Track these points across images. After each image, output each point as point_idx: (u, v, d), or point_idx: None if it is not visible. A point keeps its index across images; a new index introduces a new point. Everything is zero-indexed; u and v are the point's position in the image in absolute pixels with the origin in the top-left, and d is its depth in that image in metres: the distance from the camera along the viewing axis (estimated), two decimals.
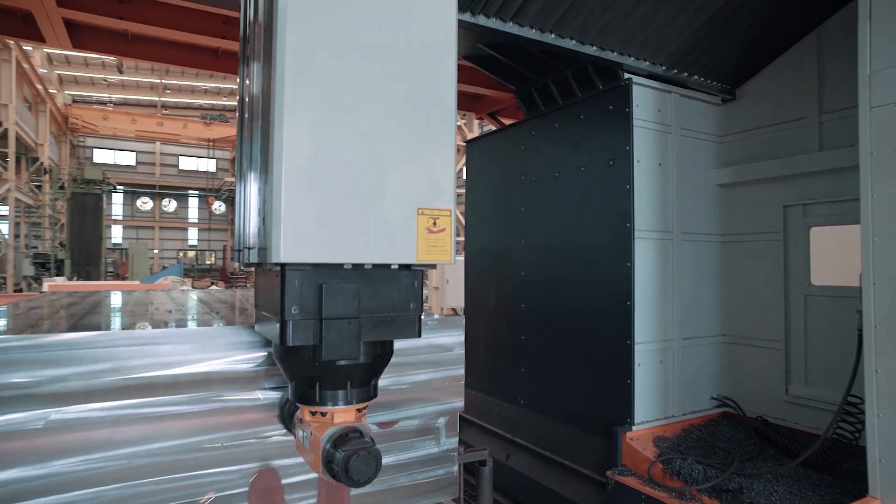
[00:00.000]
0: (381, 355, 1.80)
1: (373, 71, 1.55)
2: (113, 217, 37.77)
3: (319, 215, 1.49)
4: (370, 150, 1.55)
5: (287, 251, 1.44)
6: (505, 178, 4.37)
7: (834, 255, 3.36)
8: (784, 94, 3.50)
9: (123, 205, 39.40)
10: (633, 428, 3.22)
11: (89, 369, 1.84)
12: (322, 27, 1.48)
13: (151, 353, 1.92)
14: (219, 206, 40.88)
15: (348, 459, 1.59)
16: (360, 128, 1.54)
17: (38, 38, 3.53)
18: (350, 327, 1.62)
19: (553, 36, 2.96)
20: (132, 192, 39.33)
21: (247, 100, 1.79)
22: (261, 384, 1.97)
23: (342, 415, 1.75)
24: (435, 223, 1.66)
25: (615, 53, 3.19)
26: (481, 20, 2.76)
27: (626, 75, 3.31)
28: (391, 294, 1.70)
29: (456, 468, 2.52)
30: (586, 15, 2.88)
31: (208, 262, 41.32)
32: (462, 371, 2.58)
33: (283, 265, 1.49)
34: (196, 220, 42.46)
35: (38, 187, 27.07)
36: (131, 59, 4.08)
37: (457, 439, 2.65)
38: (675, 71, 3.46)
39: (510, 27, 2.84)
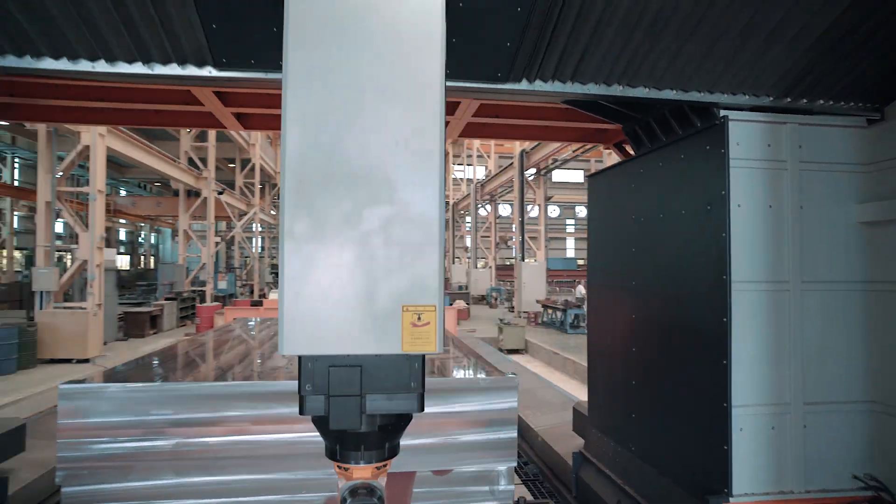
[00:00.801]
0: (393, 424, 2.07)
1: (359, 199, 1.84)
2: None
3: (316, 316, 1.83)
4: (358, 262, 1.84)
5: (288, 346, 1.82)
6: (619, 216, 4.25)
7: None
8: None
9: None
10: (732, 500, 2.93)
11: (196, 414, 2.46)
12: (314, 169, 1.82)
13: (245, 399, 2.48)
14: None
15: None
16: (349, 241, 1.84)
17: (221, 126, 4.57)
18: (353, 403, 1.94)
19: (622, 87, 2.90)
20: None
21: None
22: None
23: (359, 471, 2.07)
24: (419, 318, 1.88)
25: (702, 94, 2.97)
26: (538, 86, 2.84)
27: (723, 112, 3.03)
28: (392, 374, 1.97)
29: None
30: (652, 65, 2.76)
31: None
32: (514, 434, 2.72)
33: None
34: None
35: (277, 207, 32.92)
36: None
37: (513, 489, 2.80)
38: (789, 99, 3.05)
39: (570, 87, 2.87)
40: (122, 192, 33.91)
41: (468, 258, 34.55)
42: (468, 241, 34.36)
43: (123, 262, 38.52)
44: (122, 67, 2.53)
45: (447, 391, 2.62)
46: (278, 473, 2.49)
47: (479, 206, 32.30)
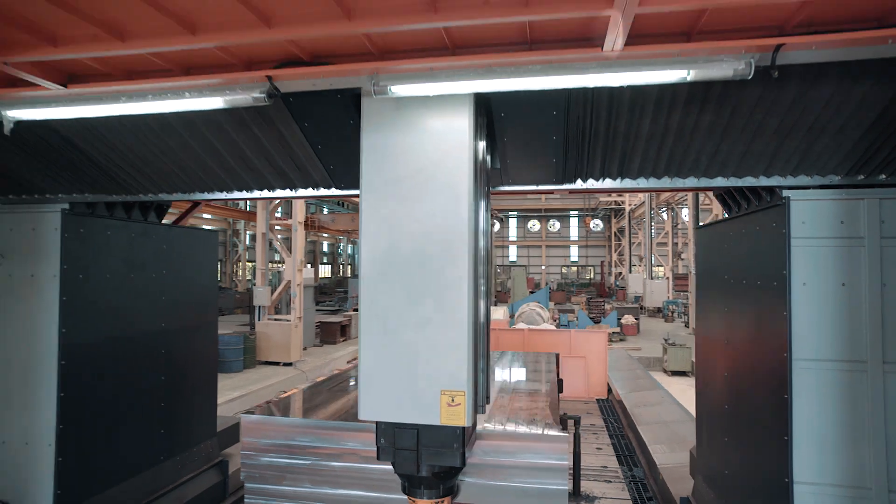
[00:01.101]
0: (445, 472, 2.76)
1: (411, 303, 2.57)
2: (508, 238, 45.46)
3: (381, 394, 2.61)
4: (410, 355, 2.57)
5: (365, 413, 2.62)
6: (717, 273, 4.31)
7: None
8: None
9: (517, 227, 46.76)
10: None
11: (324, 444, 3.41)
12: (382, 282, 2.60)
13: (358, 433, 3.39)
14: (595, 225, 43.95)
15: None
16: (403, 341, 2.58)
17: None
18: (411, 454, 2.67)
19: (671, 179, 3.17)
20: (524, 217, 46.31)
21: None
22: None
23: None
24: (453, 399, 2.54)
25: (757, 178, 3.09)
26: (590, 184, 3.26)
27: (785, 193, 3.09)
28: (440, 437, 2.66)
29: None
30: (693, 161, 3.00)
31: (587, 278, 44.90)
32: (565, 486, 3.20)
33: None
34: (576, 238, 46.65)
35: None
36: None
37: None
38: (862, 177, 3.00)
39: (620, 183, 3.23)
40: (325, 210, 39.29)
41: (643, 267, 33.03)
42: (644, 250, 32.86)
43: (325, 270, 44.60)
44: (278, 193, 3.61)
45: (507, 440, 3.21)
46: (381, 493, 3.33)
47: (655, 213, 30.77)
